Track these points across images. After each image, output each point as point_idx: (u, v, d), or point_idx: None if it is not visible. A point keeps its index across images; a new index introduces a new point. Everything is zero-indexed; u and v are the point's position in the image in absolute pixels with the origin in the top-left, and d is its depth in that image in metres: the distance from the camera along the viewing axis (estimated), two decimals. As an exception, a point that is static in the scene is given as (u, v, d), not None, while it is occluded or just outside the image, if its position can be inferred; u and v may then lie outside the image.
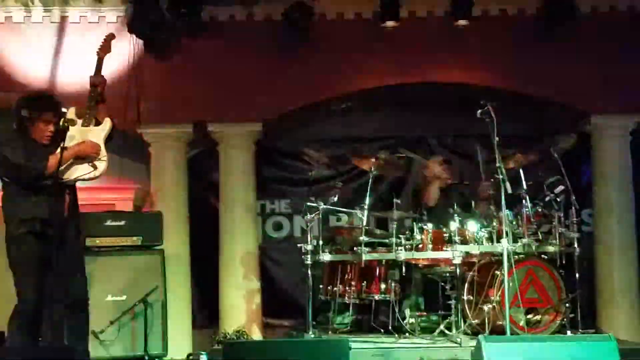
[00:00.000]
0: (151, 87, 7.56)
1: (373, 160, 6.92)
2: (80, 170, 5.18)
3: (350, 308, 6.95)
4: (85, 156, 5.19)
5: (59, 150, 5.06)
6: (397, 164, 7.49)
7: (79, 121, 5.27)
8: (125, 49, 7.38)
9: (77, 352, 5.09)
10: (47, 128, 5.23)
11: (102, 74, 5.37)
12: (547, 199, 6.68)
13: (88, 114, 5.27)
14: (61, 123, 5.16)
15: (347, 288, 6.86)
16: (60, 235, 5.18)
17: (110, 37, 5.53)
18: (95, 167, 5.18)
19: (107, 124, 5.33)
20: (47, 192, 5.11)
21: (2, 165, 5.20)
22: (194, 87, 7.64)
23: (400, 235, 6.63)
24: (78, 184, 5.32)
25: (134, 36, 7.40)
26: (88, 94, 5.31)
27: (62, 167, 5.11)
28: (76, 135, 5.23)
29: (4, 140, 5.23)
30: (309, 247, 6.63)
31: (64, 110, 5.26)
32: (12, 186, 5.21)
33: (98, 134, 5.28)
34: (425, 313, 6.92)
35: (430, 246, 6.57)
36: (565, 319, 6.49)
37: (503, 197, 5.71)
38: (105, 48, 5.45)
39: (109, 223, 6.77)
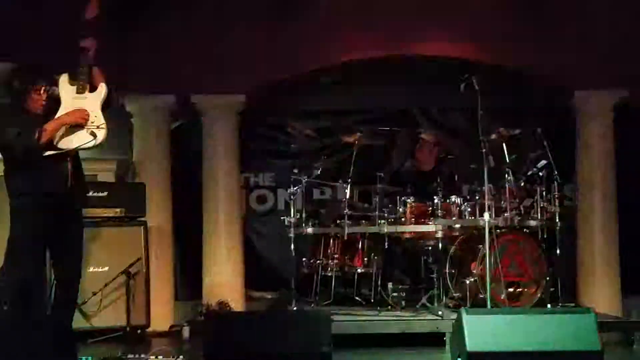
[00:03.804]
0: (134, 58, 7.49)
1: (358, 133, 6.91)
2: (79, 139, 5.08)
3: (333, 281, 6.97)
4: (77, 125, 5.12)
5: (47, 124, 5.01)
6: (382, 136, 7.50)
7: (73, 88, 5.19)
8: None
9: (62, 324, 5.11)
10: (40, 98, 5.16)
11: (93, 36, 5.21)
12: (529, 173, 6.71)
13: (81, 79, 5.18)
14: (42, 90, 5.11)
15: (330, 261, 6.90)
16: (64, 207, 5.16)
17: None
18: (95, 136, 5.10)
19: (102, 89, 5.21)
20: (46, 164, 5.06)
21: None
22: (177, 58, 7.57)
23: (384, 209, 6.65)
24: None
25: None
26: (79, 59, 5.19)
27: (58, 137, 5.06)
28: (71, 102, 5.16)
29: None
30: (293, 220, 6.64)
31: (56, 77, 5.19)
32: (11, 160, 5.16)
33: (94, 100, 5.16)
34: (407, 286, 6.95)
35: (413, 219, 6.60)
36: (545, 293, 6.55)
37: (486, 171, 5.72)
38: (92, 9, 5.30)
39: (91, 194, 6.73)
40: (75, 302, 5.58)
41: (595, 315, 4.97)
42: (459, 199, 6.69)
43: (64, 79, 5.23)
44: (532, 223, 6.66)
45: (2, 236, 5.24)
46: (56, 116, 5.13)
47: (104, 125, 5.13)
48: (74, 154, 5.22)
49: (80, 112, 5.09)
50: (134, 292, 6.73)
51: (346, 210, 6.62)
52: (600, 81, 7.65)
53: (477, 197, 6.60)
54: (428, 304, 6.54)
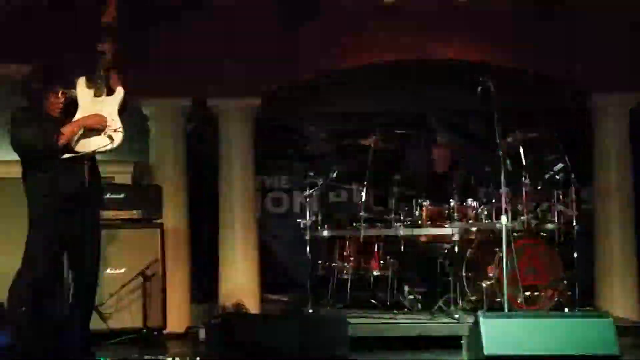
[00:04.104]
0: (150, 61, 7.52)
1: (373, 136, 6.90)
2: (96, 143, 5.12)
3: (349, 284, 6.96)
4: (95, 128, 5.15)
5: (65, 127, 5.04)
6: (398, 139, 7.49)
7: (91, 91, 5.21)
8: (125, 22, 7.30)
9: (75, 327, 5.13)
10: (57, 100, 5.19)
11: (110, 40, 5.25)
12: (546, 176, 6.68)
13: (99, 83, 5.21)
14: (60, 93, 5.13)
15: (345, 264, 6.88)
16: (81, 209, 5.18)
17: (113, 2, 5.41)
18: (112, 139, 5.13)
19: (119, 93, 5.24)
20: (64, 167, 5.09)
21: (13, 145, 5.18)
22: (194, 60, 7.59)
23: (400, 212, 6.64)
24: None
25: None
26: (97, 62, 5.21)
27: (76, 141, 5.09)
28: (88, 106, 5.19)
29: (14, 117, 5.19)
30: (308, 223, 6.63)
31: (74, 81, 5.22)
32: (29, 162, 5.19)
33: (111, 104, 5.19)
34: (423, 289, 6.94)
35: (429, 223, 6.59)
36: (562, 297, 6.52)
37: (503, 174, 5.70)
38: (109, 13, 5.33)
39: (108, 196, 6.75)
40: (93, 304, 5.61)
41: (613, 319, 4.95)
42: (475, 202, 6.67)
43: (81, 82, 5.25)
44: (549, 227, 6.64)
45: (19, 237, 5.28)
46: (74, 119, 5.16)
47: (121, 129, 5.16)
48: (91, 157, 5.25)
49: (99, 117, 5.12)
50: (151, 294, 6.75)
51: (362, 213, 6.62)
52: (618, 84, 7.61)
53: (493, 200, 6.59)
54: (444, 307, 6.52)
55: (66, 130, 5.07)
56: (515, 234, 6.28)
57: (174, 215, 7.48)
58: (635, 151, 7.79)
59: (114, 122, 5.16)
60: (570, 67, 7.64)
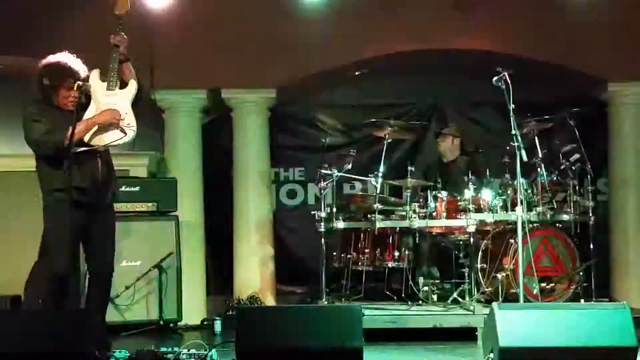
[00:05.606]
0: (165, 53, 7.53)
1: (388, 127, 6.88)
2: (110, 137, 5.14)
3: (364, 275, 6.95)
4: (109, 124, 5.16)
5: (79, 124, 5.04)
6: (413, 130, 7.47)
7: (104, 84, 5.22)
8: (140, 13, 7.31)
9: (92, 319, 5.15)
10: (69, 94, 5.19)
11: (123, 33, 5.23)
12: (562, 167, 6.65)
13: (112, 76, 5.22)
14: (75, 87, 5.14)
15: (360, 256, 6.88)
16: (95, 202, 5.20)
17: None
18: (125, 132, 5.14)
19: (132, 86, 5.24)
20: (78, 160, 5.10)
21: (27, 140, 5.20)
22: (209, 52, 7.60)
23: (414, 203, 6.63)
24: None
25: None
26: (110, 55, 5.22)
27: (89, 134, 5.10)
28: (101, 99, 5.19)
29: (26, 113, 5.21)
30: (323, 215, 6.63)
31: (86, 74, 5.23)
32: (43, 156, 5.21)
33: (124, 97, 5.20)
34: (438, 281, 6.93)
35: (444, 214, 6.57)
36: (579, 288, 6.50)
37: (518, 165, 5.67)
38: (122, 5, 5.32)
39: (123, 188, 6.78)
40: (108, 296, 5.63)
41: (630, 310, 4.91)
42: (490, 193, 6.64)
43: (94, 75, 5.26)
44: (565, 217, 6.61)
45: (31, 231, 5.30)
46: (86, 113, 5.17)
47: (134, 122, 5.17)
48: (104, 149, 5.26)
49: (113, 113, 5.13)
50: (166, 286, 6.78)
51: (377, 205, 6.60)
52: (634, 73, 7.56)
53: (508, 191, 6.56)
54: (459, 299, 6.51)
55: (80, 127, 5.07)
56: (530, 225, 6.25)
57: (189, 207, 7.50)
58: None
59: (127, 116, 5.16)
60: (585, 57, 7.59)
